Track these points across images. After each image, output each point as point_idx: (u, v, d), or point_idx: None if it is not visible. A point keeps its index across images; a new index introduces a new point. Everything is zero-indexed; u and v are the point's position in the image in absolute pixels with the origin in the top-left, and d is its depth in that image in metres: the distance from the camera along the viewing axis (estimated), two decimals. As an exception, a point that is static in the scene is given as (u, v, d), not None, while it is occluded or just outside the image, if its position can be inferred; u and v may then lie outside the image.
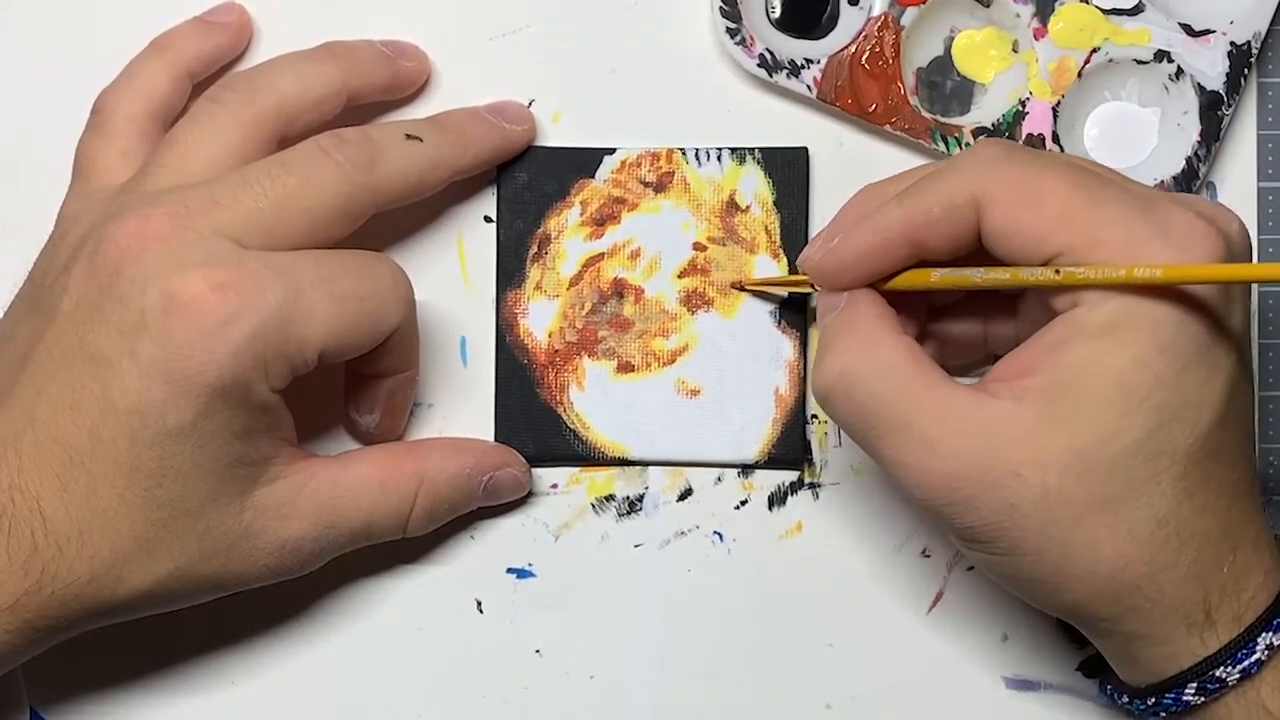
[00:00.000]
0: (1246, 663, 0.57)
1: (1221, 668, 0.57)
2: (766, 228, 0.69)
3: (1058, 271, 0.55)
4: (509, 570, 0.70)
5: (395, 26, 0.69)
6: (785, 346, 0.69)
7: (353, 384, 0.67)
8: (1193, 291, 0.55)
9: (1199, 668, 0.58)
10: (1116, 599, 0.58)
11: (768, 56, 0.68)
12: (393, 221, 0.68)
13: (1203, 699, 0.58)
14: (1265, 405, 0.70)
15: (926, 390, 0.57)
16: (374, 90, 0.68)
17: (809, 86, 0.69)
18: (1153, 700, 0.60)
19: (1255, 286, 0.68)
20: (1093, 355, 0.55)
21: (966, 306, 0.66)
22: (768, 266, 0.69)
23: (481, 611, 0.70)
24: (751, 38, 0.68)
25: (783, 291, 0.69)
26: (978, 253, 0.58)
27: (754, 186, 0.69)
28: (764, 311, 0.69)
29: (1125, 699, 0.62)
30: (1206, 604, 0.57)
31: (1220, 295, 0.56)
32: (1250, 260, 0.59)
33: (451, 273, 0.70)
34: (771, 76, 0.68)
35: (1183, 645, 0.58)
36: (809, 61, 0.69)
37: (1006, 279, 0.57)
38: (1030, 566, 0.58)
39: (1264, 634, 0.57)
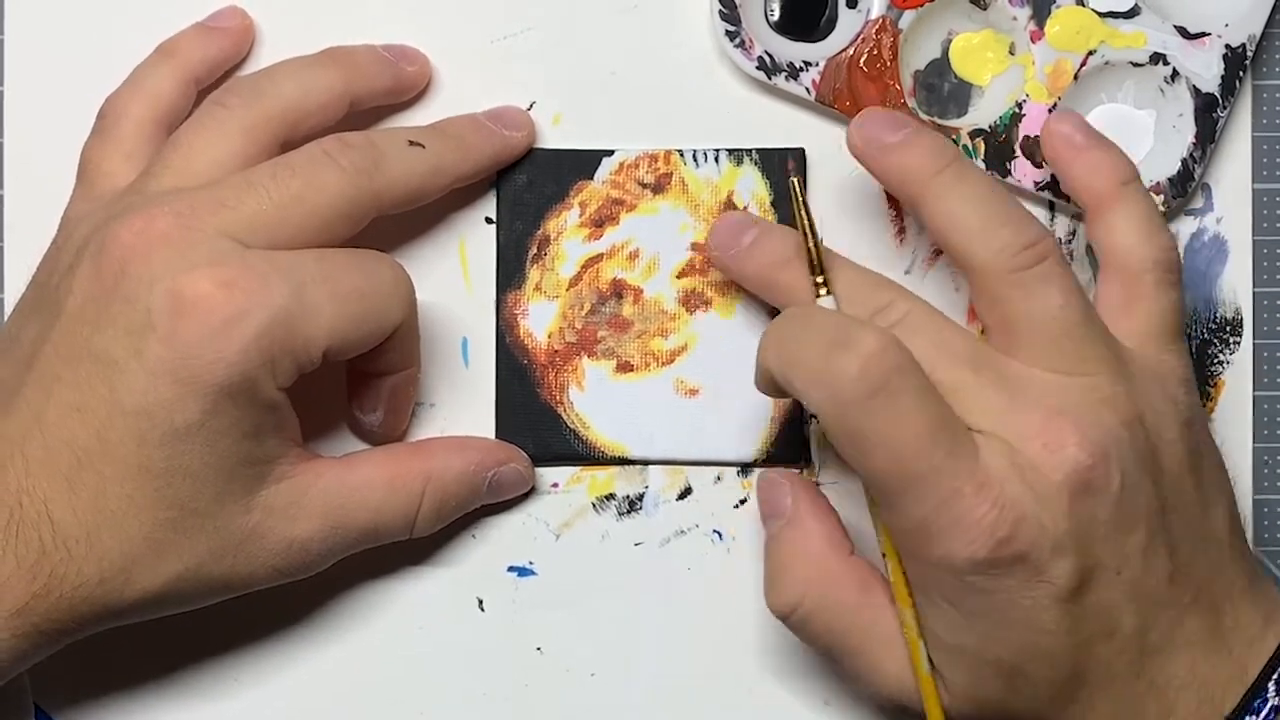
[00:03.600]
0: None
1: None
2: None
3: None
4: (510, 569, 0.70)
5: (397, 31, 0.70)
6: (784, 346, 0.69)
7: (355, 382, 0.67)
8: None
9: None
10: None
11: (766, 59, 0.69)
12: (395, 223, 0.68)
13: None
14: (1261, 404, 0.70)
15: (872, 624, 0.62)
16: (376, 95, 0.68)
17: (807, 89, 0.69)
18: None
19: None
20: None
21: None
22: (766, 267, 0.69)
23: (483, 610, 0.70)
24: (750, 40, 0.69)
25: None
26: None
27: (751, 187, 0.69)
28: (763, 311, 0.69)
29: None
30: None
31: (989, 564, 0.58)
32: None
33: (453, 274, 0.70)
34: (770, 79, 0.69)
35: None
36: (807, 64, 0.69)
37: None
38: None
39: None
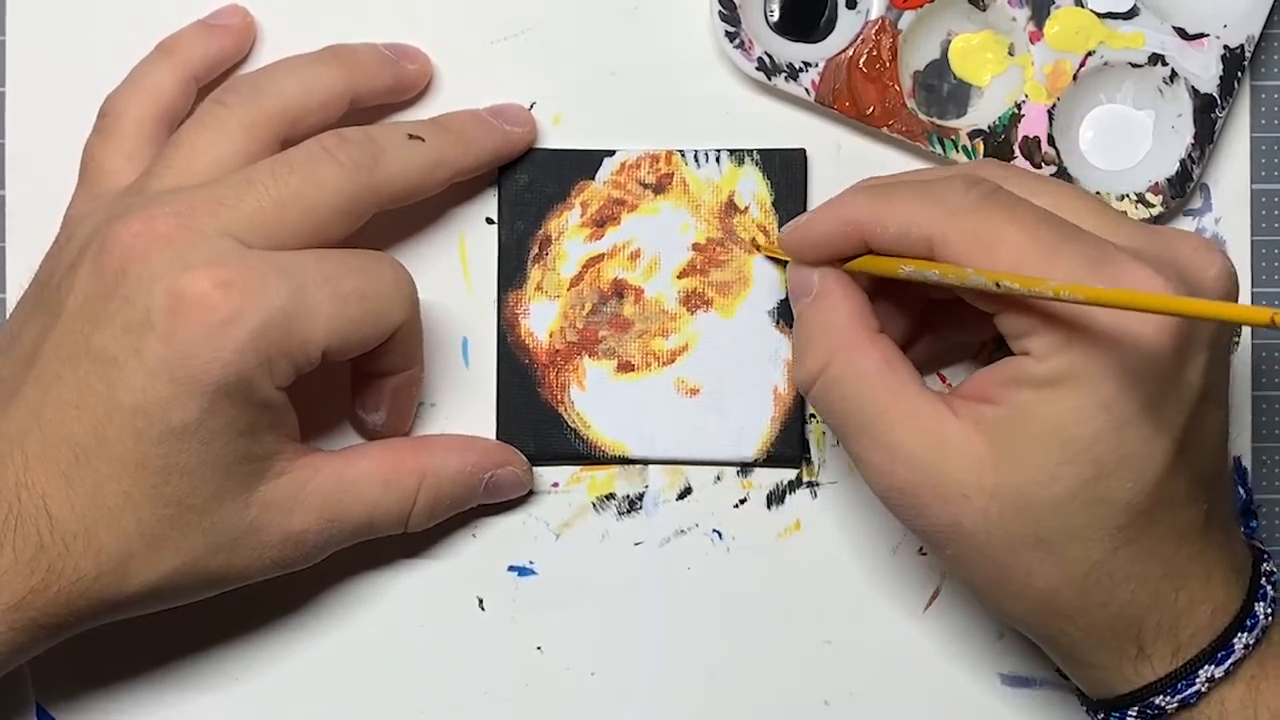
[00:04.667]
0: (1186, 693, 0.59)
1: (1161, 696, 0.59)
2: (764, 228, 0.69)
3: (998, 285, 0.55)
4: (510, 568, 0.70)
5: (398, 29, 0.70)
6: (783, 346, 0.69)
7: (358, 382, 0.68)
8: (1137, 351, 0.55)
9: (1139, 694, 0.59)
10: (1048, 624, 0.60)
11: (766, 60, 0.69)
12: (395, 223, 0.69)
13: None
14: (1258, 405, 0.70)
15: (895, 398, 0.59)
16: (377, 93, 0.68)
17: (807, 89, 0.69)
18: (1101, 715, 0.62)
19: (1243, 334, 0.70)
20: (1036, 403, 0.56)
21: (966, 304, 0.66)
22: (765, 267, 0.69)
23: (483, 609, 0.70)
24: (750, 41, 0.69)
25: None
26: None
27: (752, 188, 0.69)
28: (762, 311, 0.69)
29: (1085, 708, 0.64)
30: (1139, 640, 0.59)
31: (1170, 353, 0.55)
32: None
33: (453, 274, 0.70)
34: (770, 80, 0.69)
35: (1116, 673, 0.60)
36: (807, 65, 0.69)
37: (955, 281, 0.57)
38: (972, 576, 0.60)
39: (1206, 666, 0.59)
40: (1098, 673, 0.60)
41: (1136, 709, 0.59)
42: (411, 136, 0.65)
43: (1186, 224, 0.70)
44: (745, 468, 0.70)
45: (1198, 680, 0.58)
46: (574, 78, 0.71)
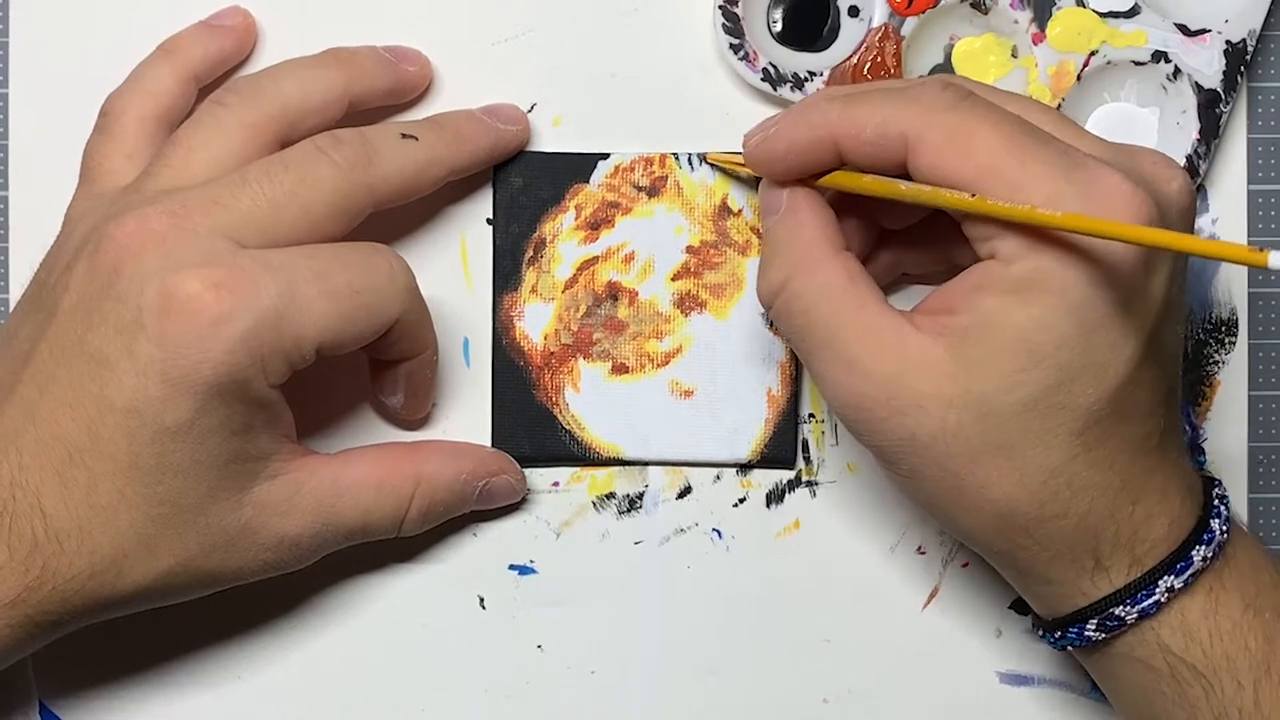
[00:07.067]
0: (1146, 603, 0.59)
1: (1121, 607, 0.59)
2: (758, 231, 0.69)
3: (974, 195, 0.56)
4: (511, 567, 0.71)
5: (398, 32, 0.70)
6: (777, 348, 0.69)
7: (374, 367, 0.68)
8: (1107, 257, 0.55)
9: (1098, 605, 0.59)
10: (1004, 537, 0.60)
11: (771, 70, 0.69)
12: (396, 223, 0.69)
13: (1103, 635, 0.60)
14: (1256, 405, 0.70)
15: (855, 312, 0.59)
16: (376, 95, 0.68)
17: (813, 99, 0.69)
18: (1059, 634, 0.61)
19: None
20: (1002, 308, 0.57)
21: (926, 230, 0.67)
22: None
23: (484, 608, 0.71)
24: (755, 53, 0.69)
25: (742, 172, 0.69)
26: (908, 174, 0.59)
27: (746, 191, 0.70)
28: (756, 313, 0.69)
29: (1040, 631, 0.63)
30: (1097, 552, 0.59)
31: (1138, 261, 0.56)
32: (1190, 223, 0.60)
33: (454, 274, 0.70)
34: (776, 90, 0.69)
35: (1073, 586, 0.60)
36: (812, 74, 0.69)
37: (928, 195, 0.57)
38: (927, 493, 0.60)
39: (1165, 577, 0.59)
40: (1054, 588, 0.61)
41: (1096, 620, 0.60)
42: (405, 136, 0.66)
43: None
44: (743, 468, 0.70)
45: (1157, 590, 0.59)
46: (574, 80, 0.71)
